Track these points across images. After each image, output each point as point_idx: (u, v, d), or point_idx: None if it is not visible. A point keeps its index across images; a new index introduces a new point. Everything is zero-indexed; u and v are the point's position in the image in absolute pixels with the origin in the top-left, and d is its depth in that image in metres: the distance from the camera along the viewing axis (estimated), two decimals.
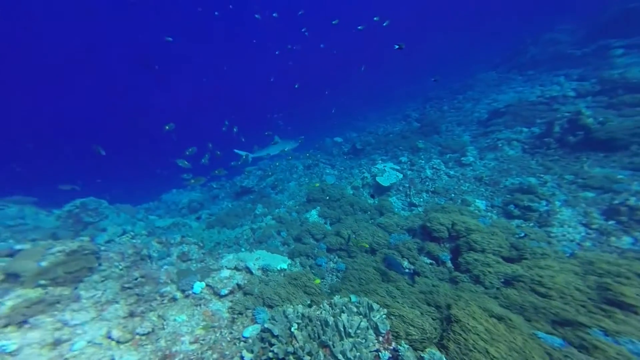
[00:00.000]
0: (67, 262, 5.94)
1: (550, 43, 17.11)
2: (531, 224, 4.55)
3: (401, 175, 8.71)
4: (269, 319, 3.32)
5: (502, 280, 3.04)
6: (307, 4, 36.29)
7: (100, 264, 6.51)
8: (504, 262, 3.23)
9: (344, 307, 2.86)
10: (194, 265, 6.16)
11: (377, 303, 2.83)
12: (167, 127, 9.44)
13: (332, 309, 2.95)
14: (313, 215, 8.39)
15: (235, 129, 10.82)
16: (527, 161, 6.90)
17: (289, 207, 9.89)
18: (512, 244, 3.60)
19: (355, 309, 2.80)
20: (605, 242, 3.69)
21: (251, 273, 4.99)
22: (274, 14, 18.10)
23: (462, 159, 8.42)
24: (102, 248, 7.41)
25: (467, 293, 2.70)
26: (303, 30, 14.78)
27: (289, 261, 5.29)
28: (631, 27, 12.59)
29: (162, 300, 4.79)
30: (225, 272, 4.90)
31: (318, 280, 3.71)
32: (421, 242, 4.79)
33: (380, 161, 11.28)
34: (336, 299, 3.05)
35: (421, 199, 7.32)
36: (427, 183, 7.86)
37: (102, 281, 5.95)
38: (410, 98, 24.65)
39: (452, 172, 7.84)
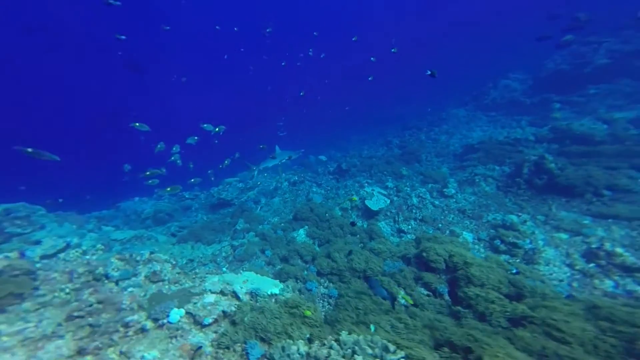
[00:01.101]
0: None
1: (506, 89, 19.90)
2: (517, 260, 4.91)
3: (389, 201, 8.96)
4: (266, 358, 2.96)
5: (508, 319, 3.13)
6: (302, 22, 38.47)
7: (37, 288, 5.39)
8: (506, 299, 3.36)
9: (355, 347, 2.66)
10: (167, 287, 5.40)
11: (389, 341, 2.68)
12: (216, 130, 8.77)
13: (341, 349, 2.73)
14: (301, 234, 8.09)
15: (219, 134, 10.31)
16: (502, 198, 7.63)
17: (273, 224, 9.44)
18: (510, 281, 3.79)
19: (369, 350, 2.62)
20: (590, 284, 4.09)
21: (238, 298, 4.50)
22: (268, 29, 18.80)
23: (444, 190, 9.00)
24: (38, 265, 6.20)
25: (477, 332, 2.67)
26: (310, 50, 15.35)
27: (281, 285, 4.91)
28: (563, 85, 15.39)
29: (127, 331, 4.03)
30: (210, 297, 4.35)
31: (309, 312, 3.44)
32: (417, 272, 4.82)
33: (366, 184, 11.56)
34: (344, 335, 2.84)
35: (409, 226, 7.54)
36: (414, 211, 8.16)
37: (37, 310, 4.88)
38: (389, 124, 26.30)
39: (437, 202, 8.30)
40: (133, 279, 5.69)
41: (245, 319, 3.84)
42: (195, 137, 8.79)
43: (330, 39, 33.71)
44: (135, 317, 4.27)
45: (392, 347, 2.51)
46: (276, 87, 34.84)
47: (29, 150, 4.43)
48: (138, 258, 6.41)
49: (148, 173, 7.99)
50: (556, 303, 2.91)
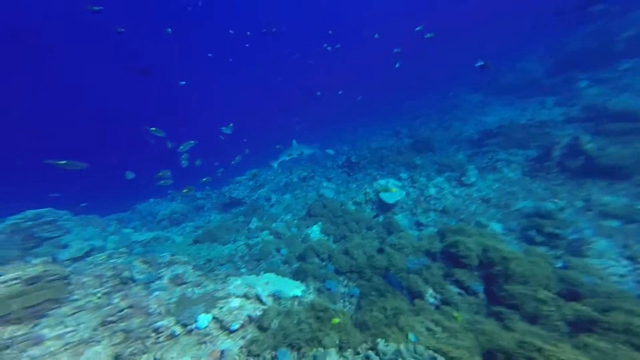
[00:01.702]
0: (27, 293, 4.97)
1: (523, 71, 18.77)
2: (559, 253, 4.57)
3: (404, 193, 8.67)
4: None
5: (569, 322, 2.83)
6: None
7: (71, 292, 5.54)
8: (561, 299, 3.07)
9: (398, 359, 2.50)
10: (190, 289, 5.43)
11: (433, 349, 2.51)
12: (228, 128, 8.89)
13: None
14: (315, 231, 7.98)
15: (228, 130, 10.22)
16: (530, 185, 7.19)
17: (287, 221, 9.37)
18: (560, 277, 3.48)
19: None
20: None
21: (262, 302, 4.45)
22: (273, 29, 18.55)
23: (463, 178, 8.61)
24: (69, 269, 6.38)
25: (533, 337, 2.42)
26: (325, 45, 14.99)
27: (302, 287, 4.83)
28: (590, 62, 14.29)
29: (158, 337, 4.06)
30: (235, 302, 4.31)
31: (337, 320, 3.30)
32: (446, 268, 4.61)
33: (378, 176, 11.26)
34: (382, 345, 2.69)
35: (429, 219, 7.27)
36: (432, 202, 7.86)
37: (74, 314, 5.01)
38: (397, 114, 25.51)
39: (456, 192, 7.95)
40: (157, 282, 5.75)
41: (272, 323, 3.76)
42: (231, 124, 8.79)
43: (340, 33, 32.79)
44: (165, 322, 4.30)
45: (440, 358, 2.35)
46: (289, 82, 34.39)
47: (62, 162, 4.35)
48: (160, 261, 6.49)
49: (160, 174, 8.06)
50: (631, 305, 2.58)
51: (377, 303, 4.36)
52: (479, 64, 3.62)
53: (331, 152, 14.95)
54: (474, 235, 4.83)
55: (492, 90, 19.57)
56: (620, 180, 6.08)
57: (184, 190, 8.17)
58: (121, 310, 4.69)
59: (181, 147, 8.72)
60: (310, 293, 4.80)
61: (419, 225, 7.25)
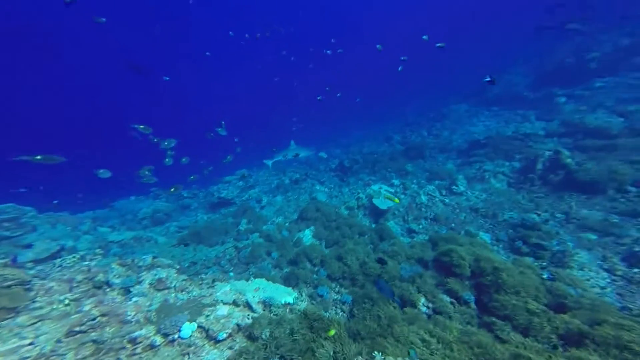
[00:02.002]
0: None
1: (509, 84, 19.71)
2: (544, 264, 4.73)
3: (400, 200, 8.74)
4: None
5: (559, 335, 2.88)
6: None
7: (33, 300, 5.06)
8: (550, 311, 3.13)
9: None
10: (173, 295, 5.11)
11: None
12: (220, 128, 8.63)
13: None
14: (307, 235, 7.85)
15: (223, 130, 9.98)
16: (514, 195, 7.47)
17: (278, 224, 9.16)
18: (548, 289, 3.57)
19: None
20: (637, 292, 3.83)
21: (252, 309, 4.25)
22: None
23: (453, 187, 8.82)
24: (31, 272, 5.85)
25: (528, 352, 2.43)
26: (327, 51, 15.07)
27: (295, 294, 4.67)
28: (567, 79, 15.26)
29: (134, 348, 3.75)
30: (223, 309, 4.08)
31: (333, 331, 3.20)
32: (438, 277, 4.62)
33: (370, 182, 11.32)
34: (378, 358, 2.60)
35: (420, 226, 7.35)
36: (423, 209, 7.97)
37: (33, 324, 4.55)
38: (389, 120, 25.99)
39: (447, 200, 8.11)
40: (137, 287, 5.37)
41: (263, 334, 3.58)
42: (223, 122, 8.54)
43: (340, 36, 33.33)
44: (143, 331, 3.99)
45: None
46: (287, 85, 34.38)
47: (38, 157, 4.12)
48: (140, 263, 6.09)
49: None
50: (618, 318, 2.66)
51: (370, 311, 4.28)
52: (487, 79, 3.73)
53: (324, 155, 14.93)
54: (465, 245, 4.89)
55: (479, 101, 20.39)
56: (596, 195, 6.45)
57: (172, 189, 7.83)
58: (93, 319, 4.31)
59: (165, 144, 8.36)
60: (302, 300, 4.65)
61: (410, 232, 7.30)
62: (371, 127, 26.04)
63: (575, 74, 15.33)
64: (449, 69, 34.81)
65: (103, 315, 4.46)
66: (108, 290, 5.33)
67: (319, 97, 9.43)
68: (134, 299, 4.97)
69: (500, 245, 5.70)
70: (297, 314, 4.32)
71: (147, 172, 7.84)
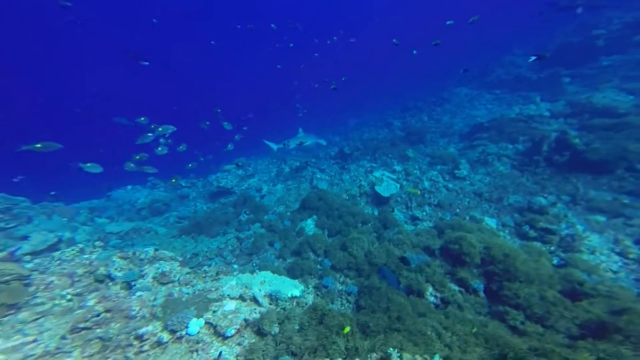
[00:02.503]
0: None
1: (511, 65, 19.08)
2: (553, 248, 4.69)
3: (399, 186, 8.61)
4: None
5: (579, 324, 2.84)
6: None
7: (34, 295, 4.95)
8: (567, 300, 3.08)
9: None
10: (177, 289, 5.04)
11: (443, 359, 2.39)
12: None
13: None
14: (309, 225, 7.75)
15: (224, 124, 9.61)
16: (519, 178, 7.36)
17: (280, 213, 9.04)
18: (562, 276, 3.51)
19: None
20: None
21: (259, 304, 4.20)
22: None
23: (456, 171, 8.67)
24: (28, 266, 5.72)
25: (550, 344, 2.36)
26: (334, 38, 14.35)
27: (301, 287, 4.62)
28: (573, 58, 14.77)
29: (142, 345, 3.70)
30: (230, 305, 4.01)
31: (348, 329, 3.14)
32: (446, 265, 4.58)
33: (371, 168, 11.13)
34: (395, 356, 2.54)
35: (424, 213, 7.27)
36: (426, 195, 7.86)
37: (36, 320, 4.47)
38: (388, 106, 25.33)
39: (450, 185, 7.99)
40: (140, 280, 5.29)
41: (272, 329, 3.53)
42: (218, 110, 8.18)
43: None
44: (150, 327, 3.93)
45: None
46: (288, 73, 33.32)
47: (38, 145, 4.09)
48: (142, 256, 5.97)
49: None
50: (632, 304, 2.61)
51: (379, 303, 4.25)
52: (532, 58, 3.46)
53: (323, 142, 14.60)
54: (474, 231, 4.82)
55: (480, 84, 19.82)
56: (604, 175, 6.34)
57: (173, 180, 7.64)
58: (97, 315, 4.23)
59: (159, 130, 7.97)
60: (309, 293, 4.60)
61: (414, 219, 7.24)
62: (371, 113, 25.40)
63: (581, 53, 14.78)
64: (454, 53, 33.52)
65: (107, 310, 4.38)
66: (111, 284, 5.24)
67: (315, 85, 8.99)
68: (138, 293, 4.89)
69: (507, 231, 5.65)
70: (304, 307, 4.29)
71: (137, 158, 7.48)
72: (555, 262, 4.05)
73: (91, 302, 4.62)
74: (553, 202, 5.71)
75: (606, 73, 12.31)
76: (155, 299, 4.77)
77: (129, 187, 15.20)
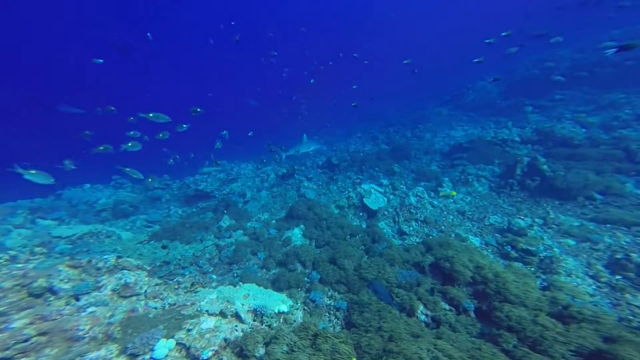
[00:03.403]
0: None
1: (483, 91, 20.90)
2: (532, 269, 4.87)
3: (386, 199, 8.66)
4: None
5: (573, 350, 2.81)
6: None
7: None
8: (559, 324, 3.09)
9: None
10: (142, 304, 4.35)
11: None
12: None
13: None
14: (297, 234, 7.39)
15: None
16: (496, 199, 7.80)
17: (264, 221, 8.54)
18: (550, 299, 3.57)
19: None
20: (622, 299, 4.02)
21: (242, 321, 3.74)
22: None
23: (440, 189, 8.98)
24: None
25: None
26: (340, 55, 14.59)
27: (290, 302, 4.24)
28: (534, 90, 16.63)
29: None
30: (209, 322, 3.50)
31: (354, 358, 2.86)
32: (436, 283, 4.53)
33: (358, 180, 11.17)
34: None
35: (411, 228, 7.31)
36: (412, 211, 7.97)
37: None
38: (372, 120, 26.23)
39: (435, 202, 8.21)
40: (95, 293, 4.50)
41: (257, 352, 3.12)
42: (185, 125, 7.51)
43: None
44: (102, 352, 3.26)
45: None
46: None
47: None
48: (100, 265, 5.14)
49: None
50: (633, 337, 2.64)
51: (371, 322, 4.02)
52: (610, 51, 3.31)
53: (311, 150, 14.45)
54: (462, 250, 4.87)
55: (456, 106, 21.40)
56: (569, 201, 6.95)
57: (149, 179, 6.91)
58: (26, 340, 3.42)
59: (131, 119, 7.24)
60: (297, 308, 4.23)
61: (401, 234, 7.24)
62: (354, 125, 26.06)
63: (539, 86, 16.68)
64: (429, 78, 36.15)
65: (43, 333, 3.57)
66: (52, 299, 4.37)
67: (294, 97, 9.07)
68: (90, 309, 4.13)
69: (490, 250, 5.83)
70: (292, 324, 3.91)
71: (101, 149, 6.63)
72: (538, 283, 4.19)
73: (18, 324, 3.73)
74: (530, 225, 6.06)
75: (559, 106, 13.96)
76: (112, 316, 4.05)
77: (87, 185, 13.58)
